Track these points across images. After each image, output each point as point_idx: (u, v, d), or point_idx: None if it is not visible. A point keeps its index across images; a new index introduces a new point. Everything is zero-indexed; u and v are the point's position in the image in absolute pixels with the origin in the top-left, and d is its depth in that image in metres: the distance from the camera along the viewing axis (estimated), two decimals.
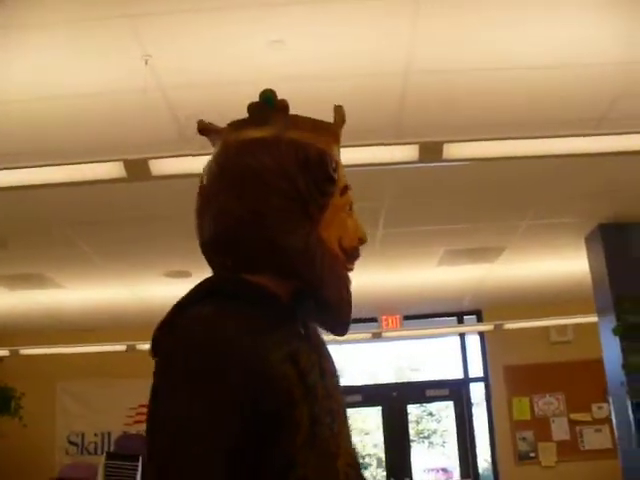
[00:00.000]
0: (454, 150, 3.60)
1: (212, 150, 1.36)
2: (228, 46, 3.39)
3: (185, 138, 4.03)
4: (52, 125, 3.95)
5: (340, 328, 1.34)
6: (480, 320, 9.23)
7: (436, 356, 10.82)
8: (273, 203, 1.25)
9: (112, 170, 3.36)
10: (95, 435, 9.24)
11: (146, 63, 3.42)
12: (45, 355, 8.45)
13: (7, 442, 8.78)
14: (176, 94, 3.71)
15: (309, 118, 1.34)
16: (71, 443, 9.28)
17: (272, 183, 1.25)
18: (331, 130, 1.37)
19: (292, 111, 1.35)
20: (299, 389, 1.19)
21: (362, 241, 1.36)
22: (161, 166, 3.27)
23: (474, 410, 9.52)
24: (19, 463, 8.84)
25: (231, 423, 1.12)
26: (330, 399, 1.28)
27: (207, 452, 1.10)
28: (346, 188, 1.35)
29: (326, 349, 1.38)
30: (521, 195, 5.30)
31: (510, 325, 8.12)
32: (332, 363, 1.37)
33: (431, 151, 3.56)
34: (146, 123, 3.78)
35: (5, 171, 3.74)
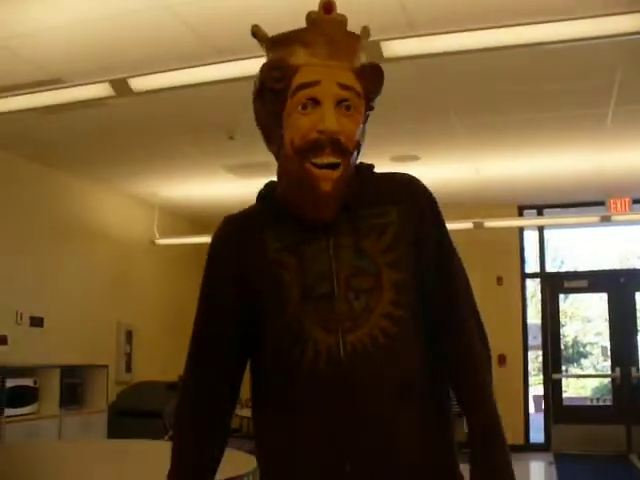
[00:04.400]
0: None
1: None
2: None
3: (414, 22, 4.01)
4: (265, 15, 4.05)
5: (303, 220, 1.53)
6: None
7: None
8: (260, 120, 1.58)
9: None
10: None
11: None
12: None
13: None
14: None
15: (273, 36, 1.53)
16: None
17: (255, 103, 1.57)
18: (292, 36, 1.50)
19: None
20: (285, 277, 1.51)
21: (324, 132, 1.46)
22: (391, 47, 3.31)
23: None
24: None
25: (218, 293, 1.63)
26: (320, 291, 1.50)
27: (200, 312, 1.64)
28: (300, 87, 1.47)
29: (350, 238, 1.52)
30: None
31: None
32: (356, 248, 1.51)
33: None
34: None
35: (232, 63, 3.94)
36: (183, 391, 1.67)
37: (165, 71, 4.14)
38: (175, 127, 6.05)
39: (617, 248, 10.26)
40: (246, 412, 7.17)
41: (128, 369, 8.62)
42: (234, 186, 7.89)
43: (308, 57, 1.47)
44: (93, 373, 7.54)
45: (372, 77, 1.52)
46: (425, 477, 1.48)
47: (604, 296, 9.25)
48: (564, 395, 9.53)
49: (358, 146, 1.52)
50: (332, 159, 1.46)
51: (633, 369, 8.99)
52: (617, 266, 9.67)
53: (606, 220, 7.65)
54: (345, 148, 1.47)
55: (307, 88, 1.46)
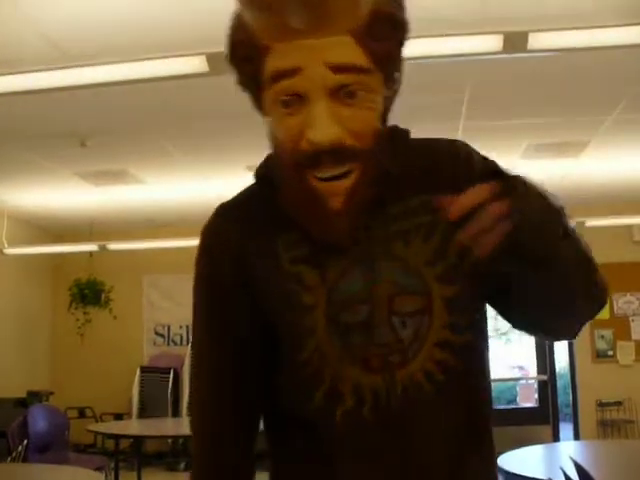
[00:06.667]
0: (539, 40, 3.49)
1: None
2: None
3: None
4: (129, 21, 3.96)
5: (313, 237, 1.12)
6: None
7: None
8: (241, 85, 1.15)
9: (196, 64, 3.40)
10: (180, 327, 9.62)
11: None
12: (132, 250, 8.76)
13: (99, 332, 9.26)
14: None
15: None
16: (158, 334, 9.70)
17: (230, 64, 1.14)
18: None
19: None
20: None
21: (312, 144, 1.03)
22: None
23: None
24: (111, 352, 9.33)
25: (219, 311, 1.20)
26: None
27: (202, 327, 1.22)
28: (276, 76, 1.04)
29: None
30: (610, 88, 5.11)
31: (592, 223, 7.96)
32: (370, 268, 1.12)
33: (515, 41, 3.47)
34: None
35: (83, 68, 3.82)
36: (197, 426, 1.24)
37: (11, 74, 3.95)
38: (23, 132, 5.78)
39: None
40: (101, 427, 7.00)
41: None
42: (88, 194, 7.67)
43: (280, 30, 1.00)
44: None
45: (386, 33, 1.04)
46: None
47: None
48: None
49: (382, 129, 1.10)
50: (337, 171, 1.05)
51: None
52: None
53: None
54: (353, 152, 1.05)
55: (285, 79, 1.02)
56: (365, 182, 1.07)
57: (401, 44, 1.08)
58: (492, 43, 3.50)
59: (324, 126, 1.01)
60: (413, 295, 1.11)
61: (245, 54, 1.06)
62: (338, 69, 1.01)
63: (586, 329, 8.14)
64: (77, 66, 3.81)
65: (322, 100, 1.02)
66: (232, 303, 1.18)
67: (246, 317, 1.17)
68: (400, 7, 1.07)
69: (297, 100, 1.03)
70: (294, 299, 1.12)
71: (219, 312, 1.19)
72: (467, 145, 1.23)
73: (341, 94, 1.02)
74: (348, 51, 1.01)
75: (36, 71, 3.98)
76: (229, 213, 1.24)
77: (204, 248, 1.22)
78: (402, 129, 1.22)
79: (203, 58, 3.34)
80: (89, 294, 9.15)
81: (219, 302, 1.19)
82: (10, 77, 4.04)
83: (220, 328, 1.20)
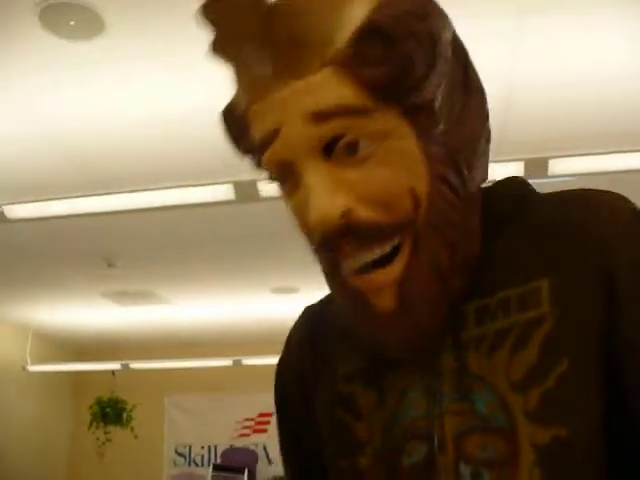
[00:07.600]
0: (560, 165, 3.54)
1: None
2: None
3: None
4: (157, 151, 4.09)
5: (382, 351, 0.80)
6: None
7: None
8: None
9: (222, 193, 3.48)
10: (202, 447, 9.41)
11: None
12: (154, 369, 8.72)
13: (119, 452, 9.10)
14: None
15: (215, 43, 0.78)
16: (179, 454, 9.50)
17: None
18: (229, 55, 0.75)
19: None
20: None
21: (315, 231, 0.71)
22: (269, 188, 3.41)
23: None
24: (130, 472, 9.14)
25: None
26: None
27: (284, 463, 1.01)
28: (261, 149, 0.75)
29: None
30: None
31: None
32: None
33: (536, 167, 3.51)
34: None
35: (113, 195, 3.92)
36: None
37: (42, 200, 4.07)
38: (52, 254, 5.89)
39: None
40: None
41: None
42: (113, 313, 7.72)
43: (253, 85, 0.73)
44: None
45: (385, 50, 0.68)
46: None
47: None
48: None
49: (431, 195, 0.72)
50: (372, 254, 0.72)
51: None
52: None
53: None
54: (379, 228, 0.71)
55: (267, 148, 0.73)
56: (424, 263, 0.72)
57: (423, 49, 0.70)
58: (513, 169, 3.55)
59: (320, 199, 0.70)
60: (493, 434, 0.72)
61: (236, 131, 0.79)
62: (321, 117, 0.70)
63: None
64: (108, 193, 3.91)
65: (311, 165, 0.71)
66: (295, 434, 0.96)
67: (310, 456, 0.93)
68: (405, 10, 0.70)
69: (290, 172, 0.74)
70: (343, 432, 0.82)
71: (287, 443, 0.99)
72: (626, 214, 0.74)
73: (339, 151, 0.71)
74: (330, 90, 0.69)
75: (70, 197, 4.09)
76: (310, 318, 0.99)
77: (278, 363, 1.00)
78: (521, 182, 0.84)
79: (230, 186, 3.41)
80: (110, 413, 9.05)
81: (285, 431, 0.99)
82: (37, 204, 4.15)
83: (289, 462, 1.00)
